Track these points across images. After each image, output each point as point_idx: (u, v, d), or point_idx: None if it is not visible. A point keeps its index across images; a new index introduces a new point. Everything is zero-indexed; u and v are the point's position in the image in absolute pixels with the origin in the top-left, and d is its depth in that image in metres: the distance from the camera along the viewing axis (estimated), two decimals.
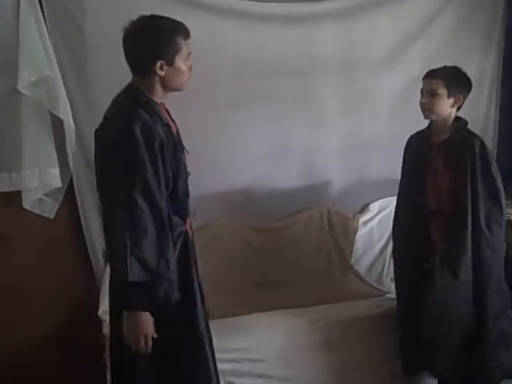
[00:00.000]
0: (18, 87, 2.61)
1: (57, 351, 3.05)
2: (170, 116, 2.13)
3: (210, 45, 3.04)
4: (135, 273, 1.82)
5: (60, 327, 3.05)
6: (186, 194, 2.11)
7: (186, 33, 2.01)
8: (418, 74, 2.76)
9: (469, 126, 2.64)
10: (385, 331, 2.94)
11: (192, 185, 3.13)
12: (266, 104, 3.24)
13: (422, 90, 2.60)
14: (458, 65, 2.63)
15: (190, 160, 3.08)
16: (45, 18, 2.69)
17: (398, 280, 2.90)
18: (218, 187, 3.27)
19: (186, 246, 2.08)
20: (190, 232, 2.18)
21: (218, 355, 2.70)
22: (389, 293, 3.26)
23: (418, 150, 2.72)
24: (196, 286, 2.11)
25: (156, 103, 2.00)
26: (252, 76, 3.17)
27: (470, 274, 2.55)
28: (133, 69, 2.00)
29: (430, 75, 2.58)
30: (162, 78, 1.98)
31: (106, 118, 2.00)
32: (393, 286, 3.30)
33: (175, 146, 2.02)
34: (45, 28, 2.68)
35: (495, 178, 2.53)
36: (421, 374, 2.81)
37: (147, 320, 1.91)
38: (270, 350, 2.79)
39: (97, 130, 2.02)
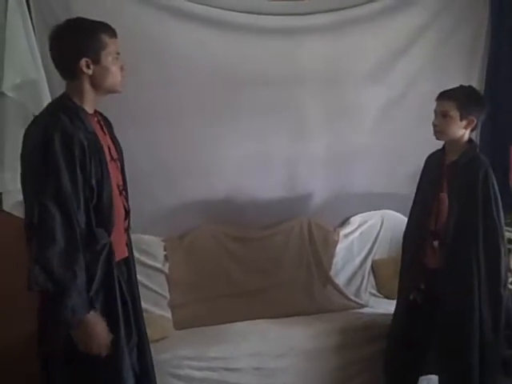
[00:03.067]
0: (3, 89, 2.60)
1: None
2: (107, 129, 2.12)
3: (196, 55, 3.07)
4: (40, 281, 1.79)
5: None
6: (111, 206, 2.00)
7: (110, 31, 2.00)
8: (402, 89, 2.78)
9: None
10: (362, 344, 2.98)
11: (174, 193, 3.20)
12: (249, 115, 3.24)
13: (435, 111, 2.54)
14: (441, 82, 2.63)
15: (172, 168, 3.14)
16: (32, 21, 2.69)
17: (398, 298, 2.84)
18: (198, 196, 3.26)
19: (110, 261, 1.98)
20: (125, 249, 2.16)
21: (193, 363, 2.74)
22: (367, 306, 3.30)
23: (432, 169, 2.69)
24: (119, 304, 2.00)
25: (84, 111, 1.98)
26: (237, 87, 3.17)
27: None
28: (61, 72, 2.00)
29: (443, 96, 2.51)
30: (91, 78, 1.97)
31: (31, 122, 1.99)
32: (371, 299, 3.34)
33: (100, 157, 1.97)
34: (32, 31, 2.67)
35: (494, 214, 2.45)
36: None
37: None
38: (246, 359, 2.80)
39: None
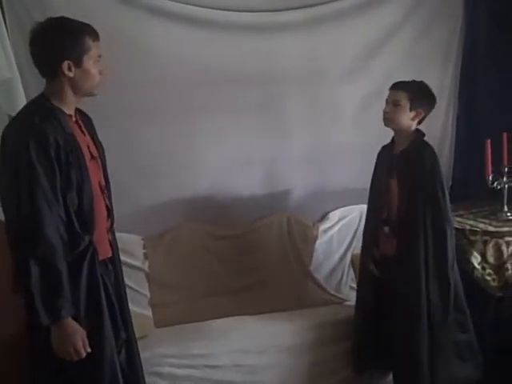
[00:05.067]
0: None
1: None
2: (87, 128, 2.12)
3: (174, 54, 3.06)
4: (33, 275, 1.81)
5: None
6: (91, 207, 2.00)
7: (94, 34, 1.99)
8: (379, 85, 2.83)
9: (427, 138, 2.70)
10: (343, 338, 2.99)
11: (154, 191, 3.19)
12: (228, 112, 3.24)
13: (386, 99, 2.67)
14: (418, 77, 2.70)
15: (151, 167, 3.13)
16: (5, 20, 2.65)
17: (359, 284, 3.00)
18: (178, 194, 3.25)
19: (93, 262, 1.98)
20: (109, 249, 2.16)
21: (175, 361, 2.73)
22: (347, 300, 3.32)
23: (383, 159, 2.81)
24: (103, 304, 2.00)
25: (62, 112, 1.97)
26: (216, 85, 3.17)
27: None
28: (40, 71, 1.98)
29: (396, 86, 2.65)
30: (71, 80, 1.96)
31: (6, 126, 1.98)
32: (352, 293, 3.36)
33: (79, 158, 1.96)
34: (5, 30, 2.63)
35: (440, 198, 2.55)
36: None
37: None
38: (227, 355, 2.81)
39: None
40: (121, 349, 2.12)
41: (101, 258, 2.05)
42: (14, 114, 2.67)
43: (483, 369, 2.77)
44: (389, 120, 2.65)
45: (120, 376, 2.04)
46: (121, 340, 2.11)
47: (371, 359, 2.85)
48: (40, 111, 1.92)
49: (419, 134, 2.68)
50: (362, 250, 2.93)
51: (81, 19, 2.00)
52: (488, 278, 3.05)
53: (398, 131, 2.69)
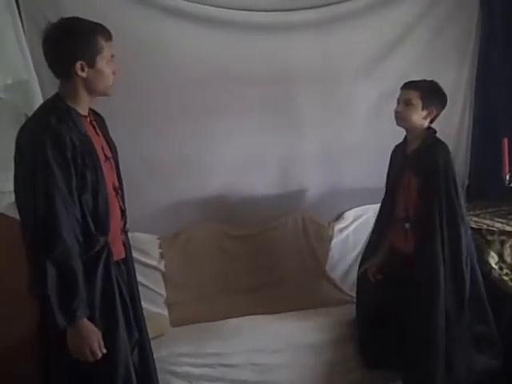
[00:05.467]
0: None
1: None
2: (101, 128, 2.13)
3: (188, 54, 3.08)
4: (49, 276, 1.81)
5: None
6: (107, 209, 2.01)
7: (107, 34, 2.00)
8: (394, 85, 2.82)
9: (443, 138, 2.69)
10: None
11: (169, 191, 3.21)
12: (243, 112, 3.25)
13: (398, 99, 2.68)
14: (433, 77, 2.70)
15: (167, 167, 3.15)
16: (22, 22, 2.69)
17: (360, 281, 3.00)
18: (194, 194, 3.27)
19: (108, 263, 2.00)
20: (122, 249, 2.17)
21: (191, 360, 2.74)
22: None
23: (396, 159, 2.82)
24: (118, 305, 2.01)
25: (77, 113, 1.98)
26: (229, 85, 3.18)
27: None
28: (54, 72, 1.99)
29: (408, 86, 2.66)
30: (84, 81, 1.96)
31: (22, 126, 1.99)
32: None
33: (94, 160, 1.97)
34: (22, 31, 2.66)
35: (453, 196, 2.56)
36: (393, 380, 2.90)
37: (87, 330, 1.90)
38: (243, 354, 2.81)
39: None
40: (134, 348, 2.13)
41: (115, 258, 2.05)
42: (30, 113, 2.72)
43: (502, 358, 2.76)
44: (401, 119, 2.65)
45: (134, 376, 2.05)
46: (134, 340, 2.12)
47: (378, 359, 2.86)
48: (56, 112, 1.93)
49: (431, 131, 2.68)
50: (367, 247, 2.99)
51: (94, 19, 2.01)
52: (505, 278, 3.02)
53: (411, 130, 2.69)
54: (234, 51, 3.17)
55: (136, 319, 2.16)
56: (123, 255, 2.18)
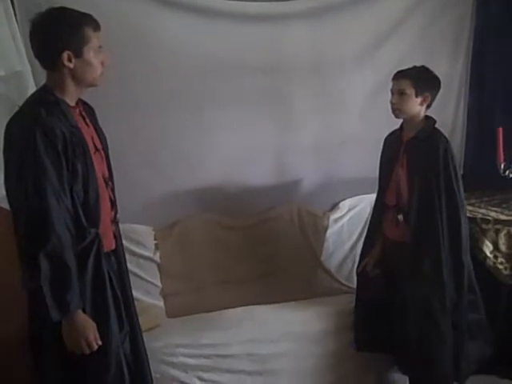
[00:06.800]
0: None
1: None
2: (90, 119, 2.11)
3: (182, 44, 3.06)
4: (43, 269, 1.81)
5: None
6: (97, 200, 2.00)
7: (94, 24, 1.97)
8: (388, 74, 2.80)
9: (438, 126, 2.69)
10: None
11: (164, 182, 3.20)
12: (237, 102, 3.23)
13: (391, 90, 2.67)
14: (428, 65, 2.69)
15: (162, 158, 3.15)
16: (15, 13, 2.67)
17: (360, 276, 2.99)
18: (188, 184, 3.26)
19: (99, 255, 1.98)
20: (113, 241, 2.16)
21: (187, 351, 2.75)
22: None
23: (390, 146, 2.81)
24: (109, 296, 2.01)
25: (66, 104, 1.96)
26: (223, 75, 3.17)
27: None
28: (41, 62, 1.97)
29: (398, 75, 2.65)
30: (72, 71, 1.94)
31: (11, 118, 1.96)
32: None
33: (84, 151, 1.96)
34: (15, 23, 2.65)
35: (454, 185, 2.57)
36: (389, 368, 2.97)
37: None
38: (239, 345, 2.82)
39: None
40: (124, 340, 2.12)
41: (105, 250, 2.05)
42: None
43: (494, 346, 2.79)
44: (398, 110, 2.64)
45: (125, 368, 2.05)
46: (125, 331, 2.11)
47: (371, 342, 2.89)
48: (45, 104, 1.91)
49: (430, 120, 2.68)
50: (366, 238, 2.99)
51: (88, 9, 1.99)
52: (500, 266, 3.04)
53: (410, 120, 2.68)
54: (228, 41, 3.14)
55: (127, 310, 2.15)
56: (113, 246, 2.17)
